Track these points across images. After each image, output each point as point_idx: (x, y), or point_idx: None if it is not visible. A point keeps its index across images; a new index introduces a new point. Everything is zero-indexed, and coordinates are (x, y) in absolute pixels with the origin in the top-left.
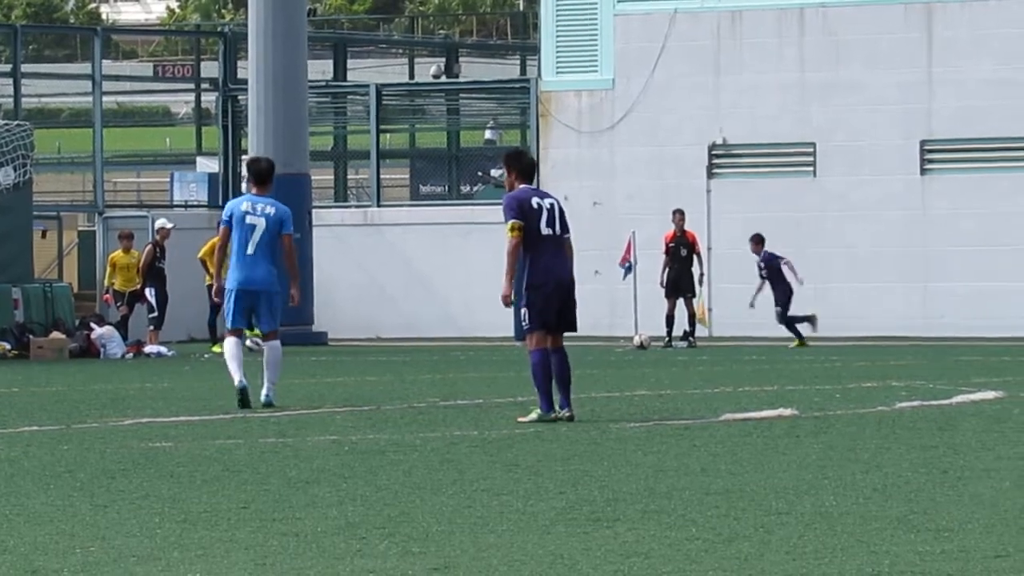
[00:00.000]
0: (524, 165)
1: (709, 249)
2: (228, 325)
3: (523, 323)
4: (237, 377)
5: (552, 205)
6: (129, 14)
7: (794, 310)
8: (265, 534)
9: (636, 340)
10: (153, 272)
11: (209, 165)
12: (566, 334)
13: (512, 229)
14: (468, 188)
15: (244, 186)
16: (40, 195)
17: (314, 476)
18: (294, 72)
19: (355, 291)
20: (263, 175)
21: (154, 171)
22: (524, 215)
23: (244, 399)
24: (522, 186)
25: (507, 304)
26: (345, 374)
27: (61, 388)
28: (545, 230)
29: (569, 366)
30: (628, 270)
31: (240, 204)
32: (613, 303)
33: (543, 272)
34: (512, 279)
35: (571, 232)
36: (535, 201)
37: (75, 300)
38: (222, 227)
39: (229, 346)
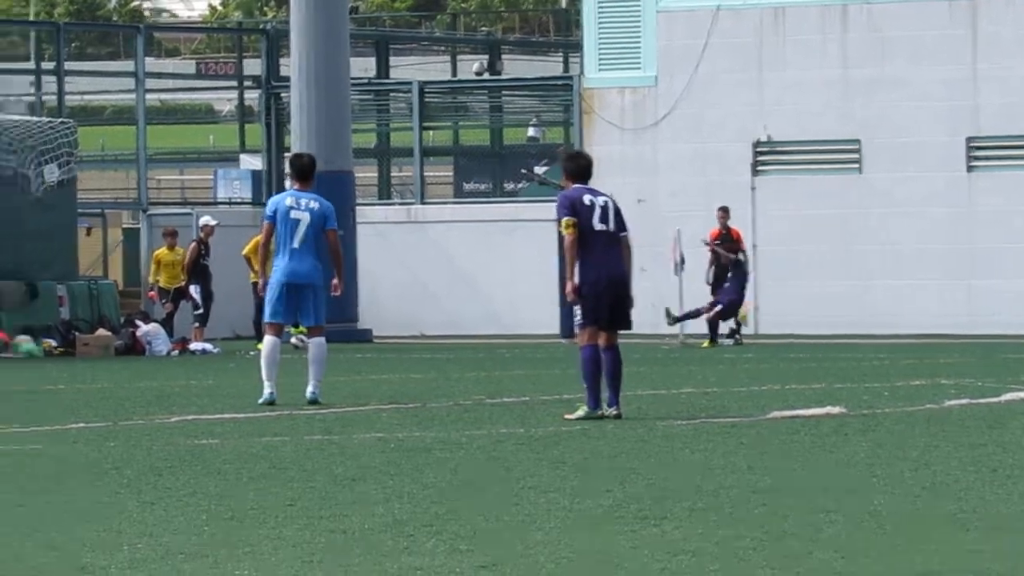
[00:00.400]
0: (575, 166)
1: (754, 246)
2: (267, 318)
3: (576, 319)
4: (268, 388)
5: (606, 203)
6: (172, 11)
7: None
8: (312, 531)
9: (680, 338)
10: (198, 269)
11: (253, 162)
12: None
13: (567, 226)
14: (512, 185)
15: (288, 183)
16: (84, 193)
17: (360, 473)
18: (336, 69)
19: (399, 288)
20: (305, 170)
21: (197, 168)
22: (576, 212)
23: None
24: (575, 185)
25: (572, 300)
26: (390, 371)
27: (107, 385)
28: (598, 226)
29: (621, 365)
30: (678, 267)
31: (284, 199)
32: (658, 300)
33: (595, 268)
34: (573, 275)
35: (628, 231)
36: (587, 198)
37: (120, 297)
38: (265, 223)
39: (268, 348)
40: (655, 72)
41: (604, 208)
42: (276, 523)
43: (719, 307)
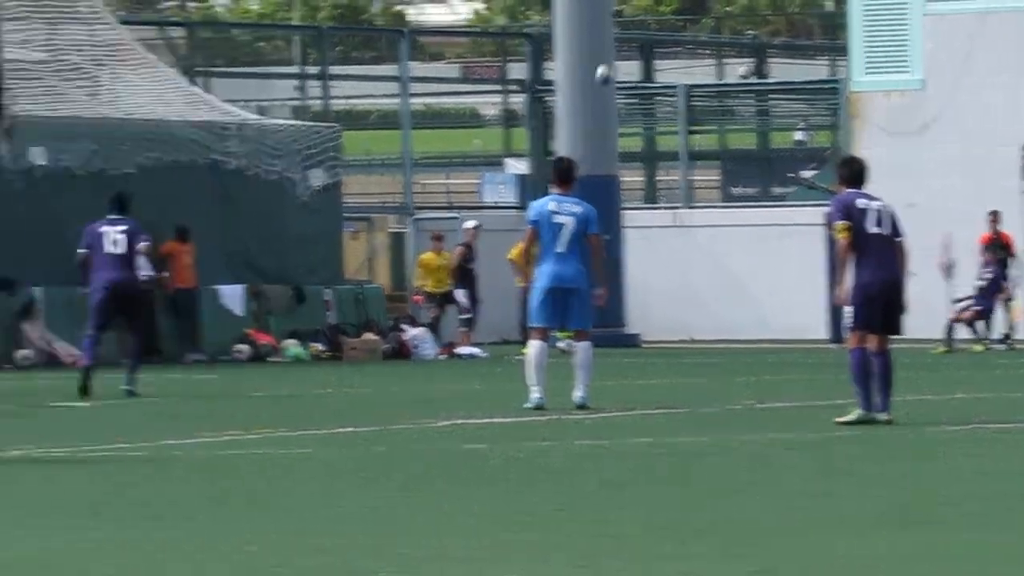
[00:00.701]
0: (850, 171)
1: None
2: (533, 322)
3: (846, 322)
4: (537, 392)
5: (881, 207)
6: (435, 15)
7: None
8: (582, 536)
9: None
10: (464, 273)
11: (518, 166)
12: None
13: (840, 230)
14: (780, 189)
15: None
16: (350, 197)
17: (630, 478)
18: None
19: (666, 293)
20: (567, 174)
21: (463, 172)
22: (849, 216)
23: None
24: (849, 190)
25: (841, 304)
26: (658, 376)
27: (374, 389)
28: (872, 230)
29: (891, 369)
30: (948, 272)
31: (547, 204)
32: (927, 305)
33: (869, 272)
34: (843, 278)
35: (903, 236)
36: (861, 202)
37: (387, 301)
38: (529, 228)
39: (534, 352)
40: (922, 75)
41: (879, 212)
42: (545, 527)
43: (979, 308)
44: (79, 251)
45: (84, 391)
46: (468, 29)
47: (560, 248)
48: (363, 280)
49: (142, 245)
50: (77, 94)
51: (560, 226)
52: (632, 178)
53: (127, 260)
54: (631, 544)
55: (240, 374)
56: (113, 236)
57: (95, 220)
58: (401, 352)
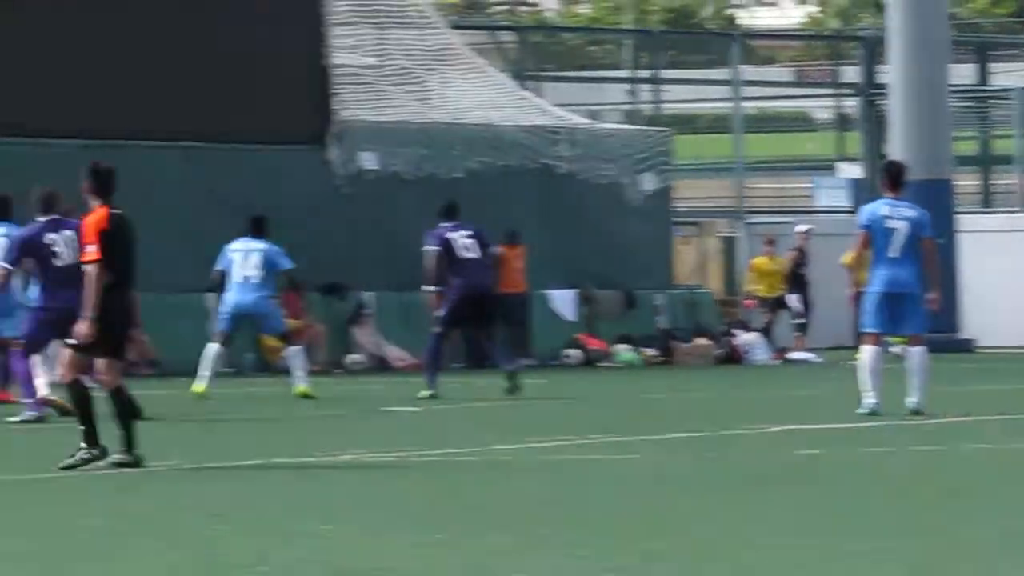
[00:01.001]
0: None
1: None
2: (865, 327)
3: None
4: (871, 398)
5: None
6: (766, 19)
7: None
8: (920, 544)
9: None
10: (796, 278)
11: (850, 170)
12: None
13: None
14: None
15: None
16: (680, 201)
17: (970, 484)
18: (935, 77)
19: (1002, 298)
20: (897, 178)
21: (794, 176)
22: None
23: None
24: None
25: None
26: (995, 382)
27: (706, 394)
28: None
29: None
30: None
31: (879, 208)
32: None
33: None
34: None
35: None
36: None
37: (719, 306)
38: (861, 232)
39: (868, 358)
40: None
41: None
42: (884, 534)
43: None
44: (429, 248)
45: (434, 396)
46: (800, 32)
47: (893, 253)
48: (694, 285)
49: (497, 250)
50: (406, 99)
51: (893, 230)
52: (967, 182)
53: (483, 264)
54: (971, 552)
55: (570, 379)
56: (462, 241)
57: (436, 227)
58: (733, 357)
